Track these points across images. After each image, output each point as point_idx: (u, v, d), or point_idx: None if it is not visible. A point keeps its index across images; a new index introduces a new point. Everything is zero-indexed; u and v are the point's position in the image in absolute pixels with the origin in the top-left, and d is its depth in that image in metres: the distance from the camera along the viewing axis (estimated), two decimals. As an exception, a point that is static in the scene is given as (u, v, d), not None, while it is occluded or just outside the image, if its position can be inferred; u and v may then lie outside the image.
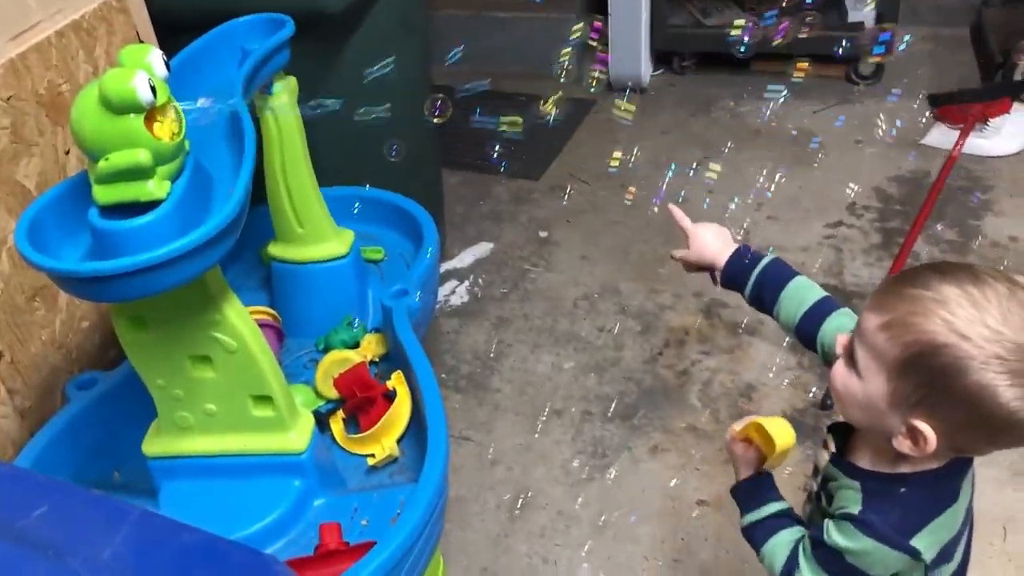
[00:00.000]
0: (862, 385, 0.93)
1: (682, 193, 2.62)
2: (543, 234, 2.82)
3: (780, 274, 1.17)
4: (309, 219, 1.72)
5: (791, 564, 1.03)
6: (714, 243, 1.23)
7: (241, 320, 1.26)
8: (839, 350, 0.98)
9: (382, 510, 1.40)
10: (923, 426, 0.88)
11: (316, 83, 1.84)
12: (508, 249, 2.77)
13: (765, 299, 1.17)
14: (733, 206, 2.81)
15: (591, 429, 2.13)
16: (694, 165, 3.07)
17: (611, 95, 3.51)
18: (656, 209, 2.49)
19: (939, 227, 2.60)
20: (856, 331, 0.94)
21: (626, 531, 1.88)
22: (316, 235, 1.74)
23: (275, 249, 1.78)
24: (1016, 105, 2.96)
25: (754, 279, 1.17)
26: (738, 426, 1.11)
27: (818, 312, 1.12)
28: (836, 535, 0.97)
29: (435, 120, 1.86)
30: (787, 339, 2.30)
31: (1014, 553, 1.73)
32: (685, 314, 2.44)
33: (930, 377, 0.86)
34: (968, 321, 0.83)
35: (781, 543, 1.05)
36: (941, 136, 2.97)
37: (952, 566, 1.00)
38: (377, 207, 1.99)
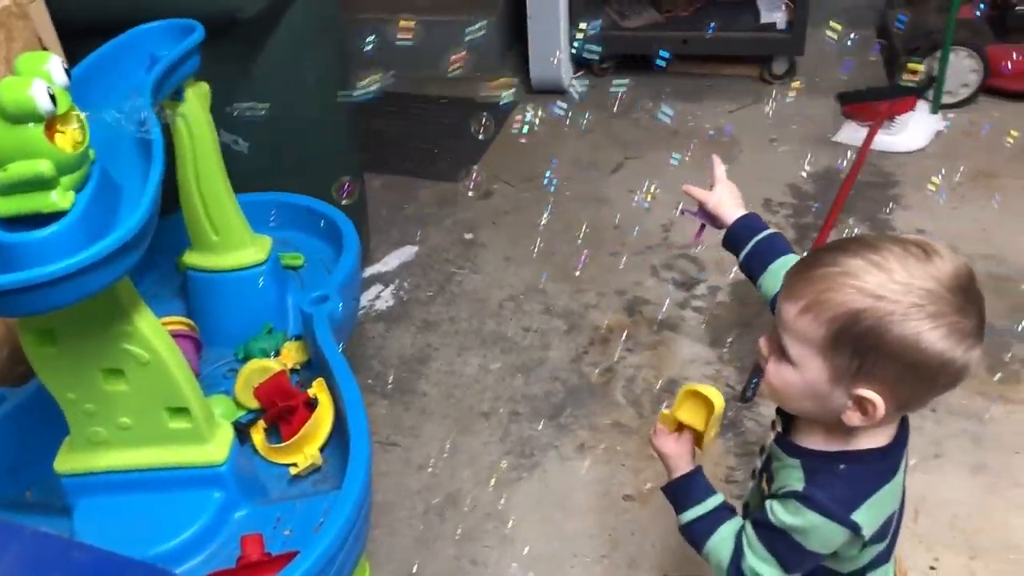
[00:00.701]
0: (799, 374, 0.96)
1: (605, 190, 2.65)
2: (468, 236, 2.83)
3: (772, 249, 1.21)
4: (224, 226, 1.69)
5: (737, 556, 1.04)
6: (732, 201, 1.30)
7: (153, 331, 1.24)
8: (764, 351, 1.01)
9: (305, 519, 1.39)
10: (868, 393, 0.92)
11: (230, 88, 1.82)
12: (433, 252, 2.77)
13: (754, 270, 1.23)
14: (655, 205, 2.86)
15: (518, 429, 2.15)
16: (614, 165, 3.11)
17: (533, 96, 3.53)
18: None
19: (851, 221, 2.68)
20: (778, 325, 0.98)
21: (554, 529, 1.90)
22: (232, 242, 1.71)
23: (191, 257, 1.74)
24: (920, 103, 3.08)
25: (749, 248, 1.23)
26: (664, 418, 1.15)
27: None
28: (781, 513, 1.00)
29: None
30: (708, 334, 2.35)
31: (924, 535, 1.80)
32: (609, 312, 2.47)
33: (860, 344, 0.90)
34: (877, 283, 0.89)
35: (725, 537, 1.06)
36: (851, 133, 3.06)
37: (881, 546, 1.04)
38: (296, 213, 1.98)
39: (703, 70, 3.57)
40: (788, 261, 1.17)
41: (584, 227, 2.75)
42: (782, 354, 0.97)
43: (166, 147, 1.19)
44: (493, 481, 2.02)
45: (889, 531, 1.05)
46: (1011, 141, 2.88)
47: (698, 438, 1.15)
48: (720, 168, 1.34)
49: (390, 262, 2.73)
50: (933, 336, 0.87)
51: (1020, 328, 2.24)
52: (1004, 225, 2.61)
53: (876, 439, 0.99)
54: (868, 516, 0.98)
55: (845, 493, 0.97)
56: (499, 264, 2.70)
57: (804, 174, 2.94)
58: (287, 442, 1.51)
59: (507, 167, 3.15)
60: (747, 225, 1.24)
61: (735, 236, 1.25)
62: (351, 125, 2.45)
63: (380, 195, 3.00)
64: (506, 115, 3.39)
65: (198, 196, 1.65)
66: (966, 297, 0.89)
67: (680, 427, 1.16)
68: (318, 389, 1.57)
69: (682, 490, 1.12)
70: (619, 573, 1.80)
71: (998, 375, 2.12)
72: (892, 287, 0.88)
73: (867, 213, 2.73)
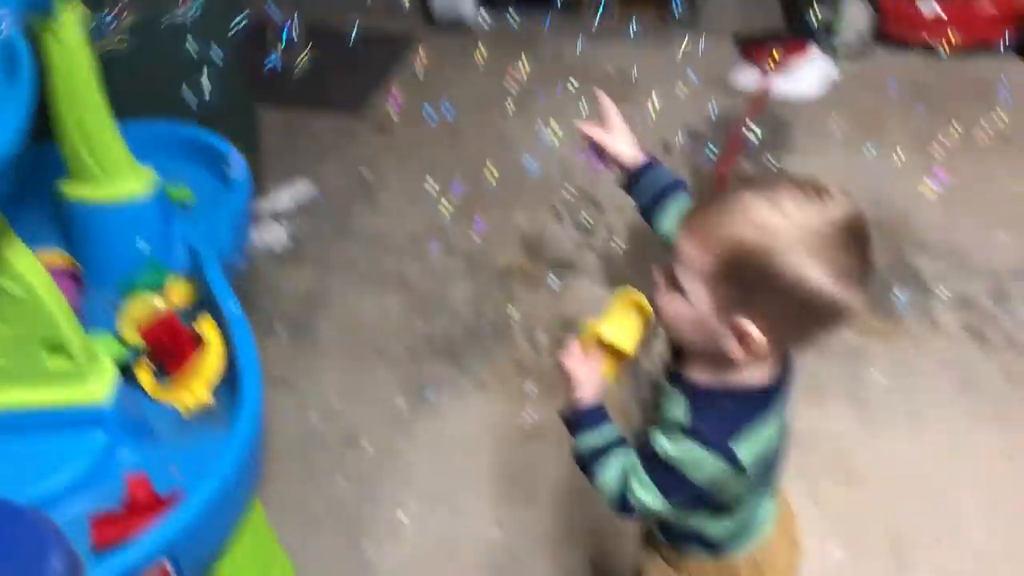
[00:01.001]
0: (689, 305, 0.97)
1: (507, 128, 2.63)
2: (367, 173, 2.77)
3: (671, 192, 1.19)
4: (104, 155, 1.60)
5: (625, 486, 1.05)
6: (628, 142, 1.23)
7: (27, 266, 1.17)
8: (658, 280, 1.02)
9: (195, 459, 1.34)
10: (748, 326, 0.94)
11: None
12: (330, 188, 2.70)
13: (653, 213, 1.19)
14: (556, 144, 2.85)
15: (417, 368, 2.13)
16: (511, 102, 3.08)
17: (433, 29, 3.46)
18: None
19: (746, 164, 2.73)
20: (673, 256, 0.99)
21: (452, 466, 1.91)
22: (113, 172, 1.62)
23: (69, 187, 1.64)
24: (815, 51, 3.15)
25: (649, 192, 1.19)
26: (585, 338, 1.08)
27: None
28: (663, 442, 1.01)
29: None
30: (605, 274, 2.37)
31: (806, 467, 1.87)
32: (510, 253, 2.47)
33: (744, 275, 0.92)
34: (766, 217, 0.90)
35: (616, 467, 1.07)
36: (747, 77, 3.11)
37: (766, 486, 1.07)
38: (182, 144, 1.88)
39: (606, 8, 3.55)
40: (682, 202, 1.18)
41: (486, 165, 2.73)
42: (674, 284, 0.98)
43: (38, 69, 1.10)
44: (392, 419, 2.01)
45: (772, 470, 1.08)
46: (898, 89, 2.99)
47: (616, 359, 1.09)
48: (611, 108, 1.26)
49: (284, 198, 2.65)
50: (814, 273, 0.89)
51: (897, 268, 2.34)
52: (889, 170, 2.71)
53: (759, 376, 1.02)
54: (748, 451, 1.00)
55: (725, 425, 1.00)
56: (399, 202, 2.65)
57: (702, 117, 2.98)
58: (175, 381, 1.45)
59: (408, 102, 3.08)
60: (647, 168, 1.23)
61: (635, 180, 1.22)
62: (242, 54, 2.34)
63: (273, 129, 2.89)
64: (407, 48, 3.31)
65: (74, 122, 1.55)
66: (852, 241, 0.91)
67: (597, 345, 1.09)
68: (206, 327, 1.51)
69: (578, 417, 1.10)
70: (516, 508, 1.82)
71: (879, 314, 2.22)
72: (780, 222, 0.90)
73: (762, 156, 2.79)
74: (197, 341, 1.50)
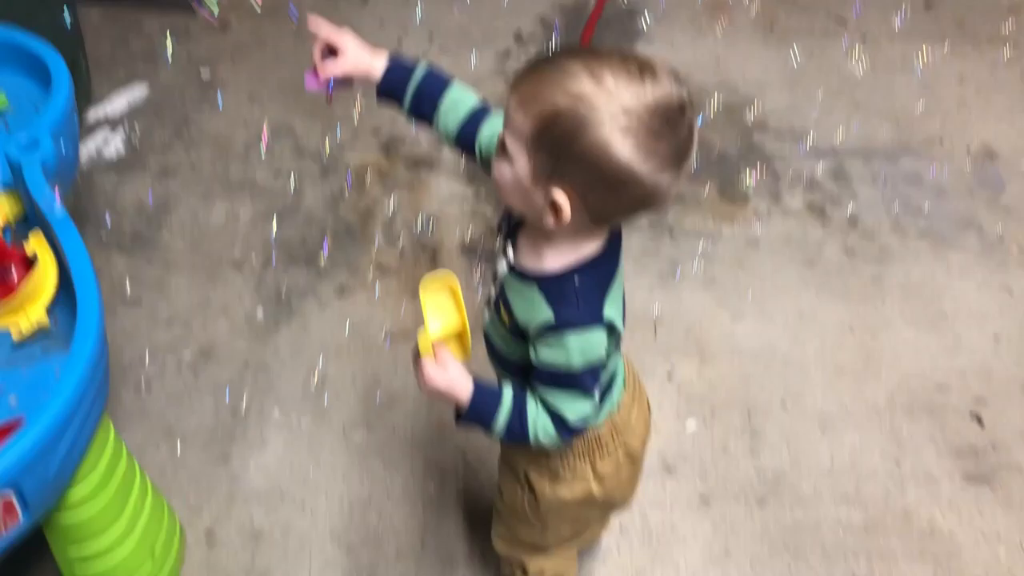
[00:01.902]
0: (512, 169, 0.98)
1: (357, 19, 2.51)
2: (205, 73, 2.61)
3: (436, 84, 1.16)
4: (-102, 62, 1.44)
5: (556, 419, 1.06)
6: (367, 52, 1.17)
7: None
8: (497, 144, 1.02)
9: (33, 385, 1.27)
10: (559, 195, 0.95)
11: None
12: (166, 91, 2.53)
13: (424, 111, 1.16)
14: (406, 38, 2.76)
15: (274, 277, 2.07)
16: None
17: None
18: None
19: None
20: (504, 118, 0.99)
21: (316, 372, 1.88)
22: (-90, 81, 1.46)
23: None
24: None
25: (412, 92, 1.15)
26: (424, 349, 1.04)
27: (475, 118, 1.15)
28: (547, 354, 1.03)
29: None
30: (465, 172, 2.34)
31: (662, 346, 1.95)
32: (364, 152, 2.40)
33: (557, 143, 0.93)
34: (584, 88, 0.91)
35: (537, 414, 1.06)
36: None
37: (620, 329, 1.10)
38: (-8, 46, 1.71)
39: None
40: (456, 93, 1.15)
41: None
42: (503, 148, 0.98)
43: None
44: (250, 331, 1.95)
45: (623, 322, 1.11)
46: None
47: (458, 340, 1.06)
48: (332, 29, 1.18)
49: (117, 103, 2.47)
50: (621, 147, 0.91)
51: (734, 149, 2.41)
52: (734, 55, 2.75)
53: (592, 247, 1.04)
54: (613, 310, 1.04)
55: (589, 301, 1.03)
56: (242, 103, 2.52)
57: (553, 5, 2.93)
58: (5, 303, 1.36)
59: (245, -3, 2.90)
60: (398, 70, 1.15)
61: (389, 87, 1.16)
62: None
63: (100, 28, 2.68)
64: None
65: None
66: (666, 122, 0.92)
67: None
68: (36, 244, 1.41)
69: (479, 410, 1.07)
70: (381, 411, 1.83)
71: (728, 197, 2.29)
72: (597, 95, 0.90)
73: (614, 45, 2.78)
74: (27, 261, 1.40)
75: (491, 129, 1.13)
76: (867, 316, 2.04)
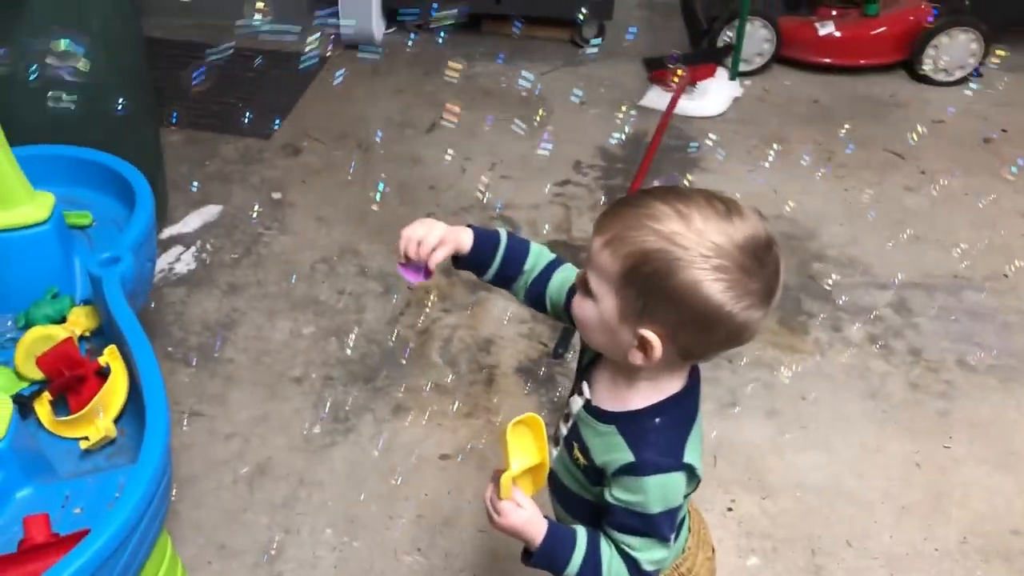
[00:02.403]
0: (596, 308, 0.98)
1: (419, 149, 2.62)
2: (276, 195, 2.72)
3: (521, 249, 1.16)
4: (-2, 181, 1.53)
5: (631, 562, 1.02)
6: (446, 228, 1.13)
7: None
8: (577, 282, 1.03)
9: (98, 496, 1.29)
10: (648, 334, 0.95)
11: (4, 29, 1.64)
12: (238, 212, 2.64)
13: (509, 275, 1.15)
14: (469, 166, 2.85)
15: (332, 394, 2.09)
16: (429, 125, 3.07)
17: (342, 51, 3.43)
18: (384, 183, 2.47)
19: (656, 183, 2.78)
20: (588, 258, 1.00)
21: (369, 492, 1.87)
22: (7, 199, 1.55)
23: (-41, 216, 1.57)
24: (719, 70, 3.23)
25: (500, 259, 1.14)
26: (505, 489, 1.01)
27: (548, 271, 1.15)
28: (623, 495, 1.01)
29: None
30: (522, 293, 2.37)
31: (722, 478, 1.91)
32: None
33: (647, 284, 0.93)
34: (673, 228, 0.92)
35: (611, 556, 1.03)
36: (656, 98, 3.17)
37: (700, 473, 1.06)
38: (82, 167, 1.81)
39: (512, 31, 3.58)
40: (537, 252, 1.15)
41: (397, 187, 2.71)
42: (586, 287, 0.99)
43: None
44: (307, 447, 1.96)
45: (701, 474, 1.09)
46: (798, 108, 3.09)
47: (535, 474, 1.03)
48: (411, 229, 1.13)
49: (191, 222, 2.58)
50: (713, 287, 0.91)
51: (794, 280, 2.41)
52: (792, 187, 2.79)
53: (673, 385, 1.03)
54: (693, 454, 1.02)
55: (670, 443, 1.01)
56: (309, 224, 2.61)
57: (612, 137, 3.02)
58: (76, 414, 1.39)
59: (317, 124, 3.05)
60: (484, 241, 1.14)
61: (477, 257, 1.14)
62: (143, 74, 2.27)
63: (179, 151, 2.82)
64: (315, 69, 3.28)
65: (-36, 147, 1.49)
66: (755, 259, 0.93)
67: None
68: (110, 357, 1.45)
69: (552, 552, 1.03)
70: (435, 531, 1.80)
71: (788, 327, 2.28)
72: (686, 235, 0.91)
73: (671, 175, 2.84)
74: (100, 372, 1.44)
75: (561, 277, 1.13)
76: (934, 453, 1.98)
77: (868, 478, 1.92)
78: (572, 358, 2.17)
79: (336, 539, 1.78)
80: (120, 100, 2.09)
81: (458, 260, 1.15)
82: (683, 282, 0.91)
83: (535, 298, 1.16)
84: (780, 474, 1.92)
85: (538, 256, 1.16)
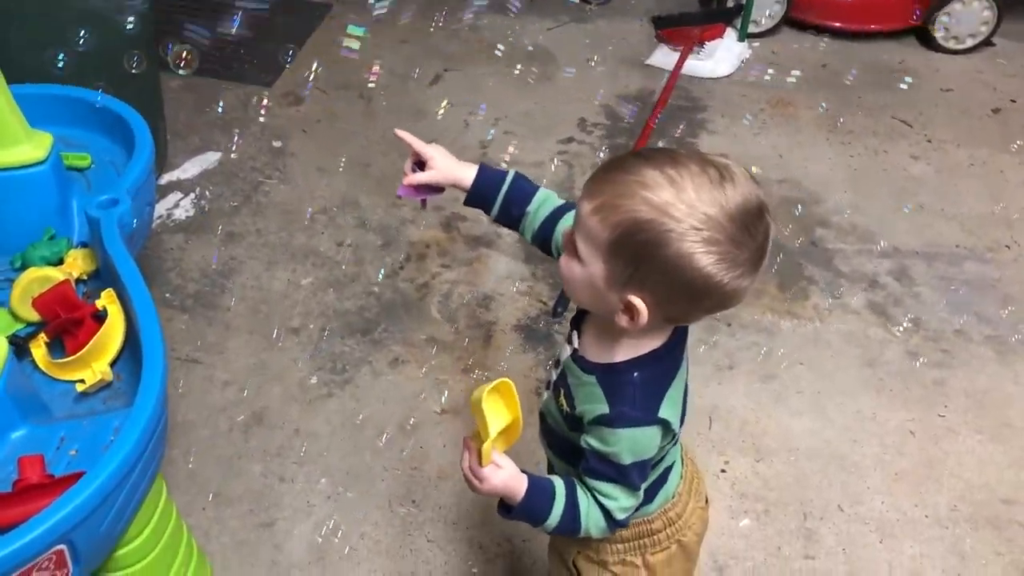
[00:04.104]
0: (584, 270, 0.97)
1: (423, 101, 2.58)
2: (277, 144, 2.69)
3: (525, 189, 1.18)
4: (-5, 120, 1.51)
5: (605, 511, 1.04)
6: (452, 159, 1.20)
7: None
8: (563, 241, 1.03)
9: (94, 438, 1.29)
10: (636, 300, 0.94)
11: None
12: (238, 160, 2.61)
13: (513, 215, 1.17)
14: (473, 120, 2.82)
15: (330, 345, 2.09)
16: (433, 77, 3.04)
17: (348, 1, 3.37)
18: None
19: (660, 143, 2.75)
20: (575, 220, 0.99)
21: (365, 443, 1.87)
22: (4, 138, 1.53)
23: (-44, 154, 1.55)
24: (728, 31, 3.19)
25: (502, 197, 1.17)
26: (483, 453, 1.00)
27: (555, 216, 1.16)
28: (597, 444, 1.02)
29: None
30: (522, 251, 2.36)
31: (716, 440, 1.91)
32: (426, 228, 2.43)
33: (637, 252, 0.92)
34: (665, 199, 0.90)
35: (588, 505, 1.05)
36: (663, 57, 3.13)
37: (676, 429, 1.08)
38: (81, 108, 1.79)
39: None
40: (544, 196, 1.17)
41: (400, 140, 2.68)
42: (574, 249, 0.98)
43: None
44: (303, 397, 1.96)
45: (682, 417, 1.09)
46: (806, 72, 3.05)
47: (510, 431, 1.02)
48: (417, 141, 1.21)
49: (190, 169, 2.55)
50: (704, 260, 0.90)
51: (800, 246, 2.39)
52: (798, 151, 2.77)
53: (655, 341, 1.03)
54: (670, 410, 1.03)
55: (646, 398, 1.02)
56: (310, 175, 2.58)
57: (618, 95, 2.98)
58: (72, 357, 1.38)
59: (320, 73, 3.01)
60: (488, 178, 1.18)
61: (479, 194, 1.18)
62: (144, 18, 2.23)
63: (178, 97, 2.79)
64: (320, 18, 3.23)
65: (-38, 84, 1.46)
66: (745, 229, 0.92)
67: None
68: (108, 300, 1.44)
69: (532, 507, 1.05)
70: (429, 485, 1.81)
71: (788, 292, 2.27)
72: (678, 206, 0.90)
73: (676, 136, 2.82)
74: (97, 316, 1.43)
75: (565, 225, 1.13)
76: (929, 421, 1.98)
77: (862, 444, 1.93)
78: (569, 317, 2.16)
79: (331, 489, 1.79)
80: (120, 43, 2.06)
81: (466, 199, 1.19)
82: (674, 253, 0.90)
83: (542, 242, 1.17)
84: (774, 438, 1.93)
85: (545, 199, 1.16)
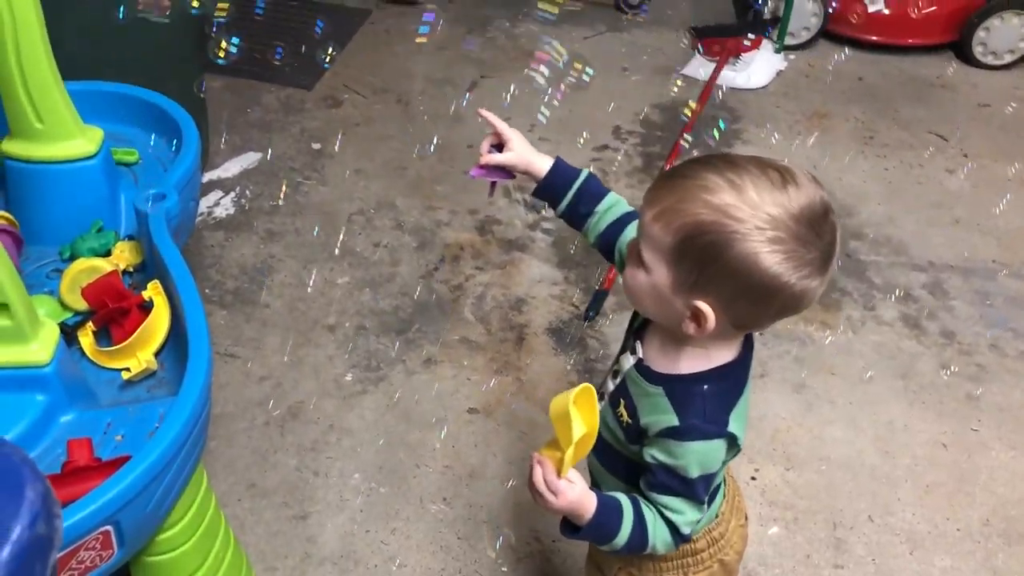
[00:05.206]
0: (649, 278, 0.97)
1: (460, 107, 2.61)
2: (316, 146, 2.73)
3: (597, 189, 1.19)
4: (50, 113, 1.54)
5: (672, 526, 1.03)
6: (533, 150, 1.21)
7: (-33, 219, 1.13)
8: (628, 252, 1.04)
9: (139, 425, 1.32)
10: (703, 305, 0.94)
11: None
12: (278, 160, 2.66)
13: (580, 212, 1.18)
14: (509, 126, 2.84)
15: (365, 343, 2.12)
16: (469, 83, 3.07)
17: (387, 6, 3.42)
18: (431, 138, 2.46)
19: (695, 153, 2.76)
20: (638, 229, 0.99)
21: (398, 440, 1.90)
22: (58, 132, 1.57)
23: (10, 146, 1.58)
24: (765, 42, 3.19)
25: (573, 192, 1.18)
26: (564, 464, 0.97)
27: (622, 222, 1.17)
28: (663, 457, 1.01)
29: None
30: (555, 255, 2.38)
31: (747, 448, 1.89)
32: (460, 231, 2.46)
33: (701, 256, 0.92)
34: (727, 200, 0.90)
35: (654, 521, 1.03)
36: (698, 67, 3.14)
37: (741, 443, 1.06)
38: (131, 105, 1.83)
39: (561, -6, 3.56)
40: (613, 199, 1.18)
41: (437, 143, 2.72)
42: (639, 258, 0.99)
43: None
44: (338, 393, 1.99)
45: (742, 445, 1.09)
46: (843, 84, 3.04)
47: (582, 440, 0.97)
48: (499, 121, 1.21)
49: (231, 168, 2.60)
50: (770, 259, 0.89)
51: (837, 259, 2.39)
52: (833, 163, 2.77)
53: (725, 355, 1.03)
54: (737, 424, 1.02)
55: (715, 410, 1.01)
56: (348, 176, 2.62)
57: (654, 105, 3.00)
58: (119, 345, 1.42)
59: (359, 77, 3.05)
60: (563, 172, 1.19)
61: (551, 185, 1.19)
62: (191, 19, 2.28)
63: (221, 97, 2.84)
64: (359, 23, 3.27)
65: (18, 77, 1.50)
66: (811, 229, 0.91)
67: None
68: (153, 291, 1.48)
69: (603, 523, 1.02)
70: (461, 483, 1.82)
71: (821, 303, 2.27)
72: (740, 207, 0.90)
73: (710, 145, 2.83)
74: (143, 306, 1.47)
75: (629, 235, 1.14)
76: (962, 435, 1.97)
77: (893, 456, 1.92)
78: (604, 323, 2.18)
79: (364, 484, 1.81)
80: (168, 42, 2.11)
81: (537, 189, 1.20)
82: (739, 254, 0.90)
83: (605, 245, 1.18)
84: (805, 447, 1.93)
85: (615, 202, 1.17)
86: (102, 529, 1.15)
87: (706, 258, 0.92)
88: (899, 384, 2.08)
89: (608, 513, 1.02)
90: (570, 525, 1.04)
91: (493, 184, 1.24)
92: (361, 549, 1.71)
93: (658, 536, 1.03)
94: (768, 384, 2.06)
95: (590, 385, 0.95)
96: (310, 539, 1.72)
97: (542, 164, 1.19)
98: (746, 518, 1.26)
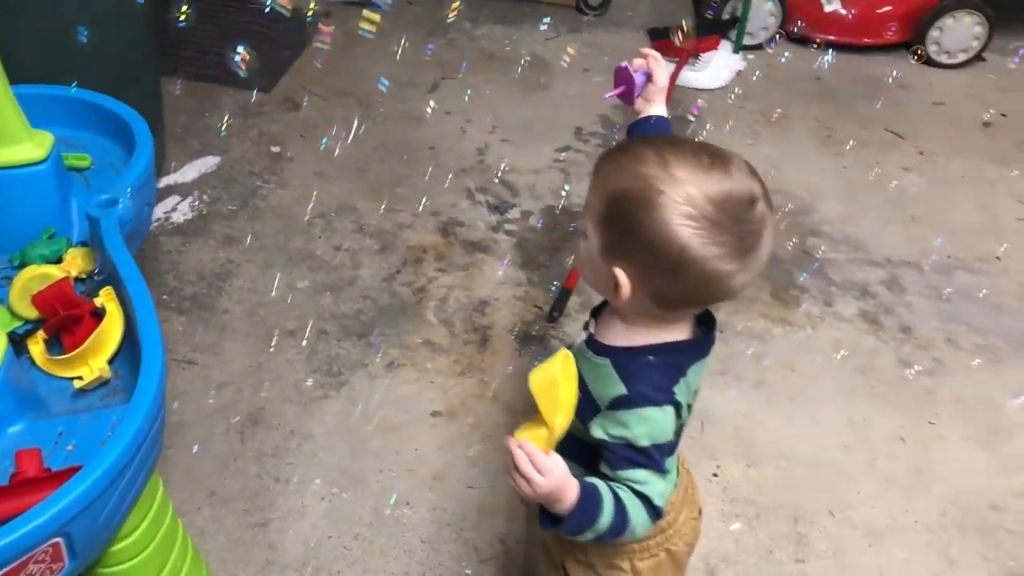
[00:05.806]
0: (586, 245, 1.03)
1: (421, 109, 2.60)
2: (275, 149, 2.71)
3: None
4: (-3, 118, 1.52)
5: (645, 500, 1.01)
6: (661, 94, 1.29)
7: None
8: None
9: (91, 434, 1.29)
10: (618, 271, 0.98)
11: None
12: (237, 164, 2.63)
13: None
14: (470, 128, 2.84)
15: (326, 348, 2.10)
16: (430, 85, 3.06)
17: (346, 8, 3.40)
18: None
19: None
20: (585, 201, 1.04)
21: (360, 445, 1.88)
22: (5, 137, 1.54)
23: (-43, 152, 1.56)
24: (723, 43, 3.22)
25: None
26: (544, 439, 0.95)
27: None
28: (615, 429, 1.01)
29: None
30: (518, 257, 2.38)
31: (708, 445, 1.93)
32: (423, 233, 2.45)
33: (622, 221, 0.97)
34: (653, 172, 0.95)
35: (630, 503, 1.00)
36: (659, 68, 3.15)
37: (685, 415, 1.07)
38: (82, 109, 1.79)
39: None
40: None
41: (397, 146, 2.71)
42: (582, 226, 1.04)
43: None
44: (299, 399, 1.97)
45: (688, 412, 1.09)
46: (800, 84, 3.07)
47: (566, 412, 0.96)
48: (662, 63, 1.31)
49: (188, 172, 2.57)
50: (680, 231, 0.93)
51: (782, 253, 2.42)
52: (791, 162, 2.79)
53: (675, 334, 1.05)
54: (683, 394, 1.04)
55: (662, 379, 1.02)
56: (308, 179, 2.60)
57: (613, 105, 3.01)
58: (70, 354, 1.39)
59: (317, 79, 3.03)
60: (659, 128, 1.27)
61: (640, 126, 1.28)
62: (145, 22, 2.26)
63: (178, 101, 2.80)
64: (315, 24, 3.25)
65: (-36, 83, 1.47)
66: (726, 214, 0.94)
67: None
68: (106, 298, 1.45)
69: (586, 508, 0.99)
70: (424, 486, 1.81)
71: (780, 300, 2.29)
72: (663, 179, 0.94)
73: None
74: (96, 313, 1.44)
75: None
76: (919, 428, 2.00)
77: (853, 450, 1.94)
78: (568, 323, 2.18)
79: (325, 490, 1.80)
80: (122, 45, 2.08)
81: (631, 126, 1.30)
82: (653, 221, 0.94)
83: None
84: (766, 443, 1.95)
85: None
86: (52, 541, 1.13)
87: (625, 223, 0.96)
88: (858, 379, 2.11)
89: (589, 494, 0.99)
90: (550, 516, 1.01)
91: (624, 89, 1.30)
92: (324, 555, 1.69)
93: (635, 513, 1.01)
94: (728, 381, 2.07)
95: (569, 352, 0.95)
96: (272, 546, 1.70)
97: (658, 108, 1.28)
98: (700, 512, 1.27)
